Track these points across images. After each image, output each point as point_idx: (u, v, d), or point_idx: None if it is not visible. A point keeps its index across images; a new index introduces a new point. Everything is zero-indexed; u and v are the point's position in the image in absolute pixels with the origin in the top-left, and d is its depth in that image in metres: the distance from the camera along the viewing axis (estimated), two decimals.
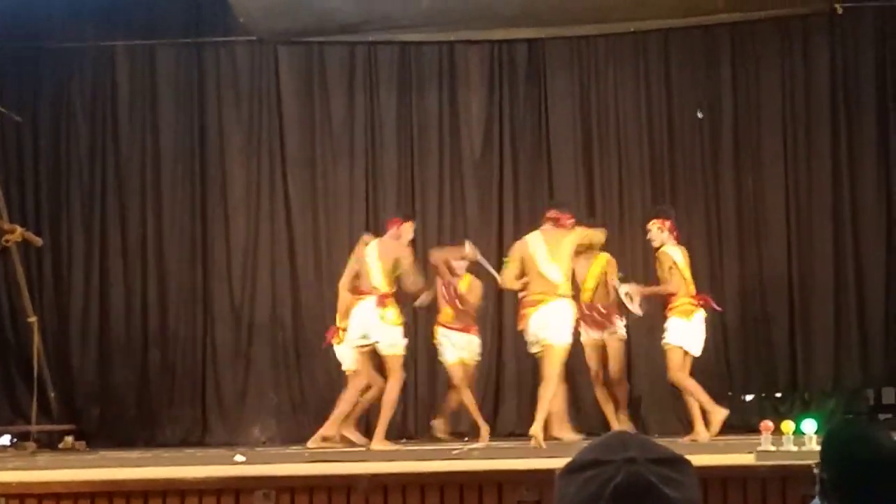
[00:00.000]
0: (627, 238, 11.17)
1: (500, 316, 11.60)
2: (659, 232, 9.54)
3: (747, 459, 6.17)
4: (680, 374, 9.39)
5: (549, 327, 8.99)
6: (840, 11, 11.13)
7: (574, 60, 11.87)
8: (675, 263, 9.40)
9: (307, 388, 11.63)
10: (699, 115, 11.65)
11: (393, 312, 9.30)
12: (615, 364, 9.98)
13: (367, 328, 9.28)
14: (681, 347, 9.34)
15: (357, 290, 9.53)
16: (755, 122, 11.61)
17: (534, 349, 9.30)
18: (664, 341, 9.39)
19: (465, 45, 11.98)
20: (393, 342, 9.33)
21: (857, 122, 11.44)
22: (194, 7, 12.12)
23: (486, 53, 11.99)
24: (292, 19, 11.45)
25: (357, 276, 9.61)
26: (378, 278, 9.34)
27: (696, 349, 9.42)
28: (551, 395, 8.99)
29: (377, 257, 9.42)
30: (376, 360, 9.57)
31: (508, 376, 11.58)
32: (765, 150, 11.57)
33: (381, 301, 9.23)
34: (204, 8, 12.06)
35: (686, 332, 9.35)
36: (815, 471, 2.81)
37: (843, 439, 2.77)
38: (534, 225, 11.65)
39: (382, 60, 12.00)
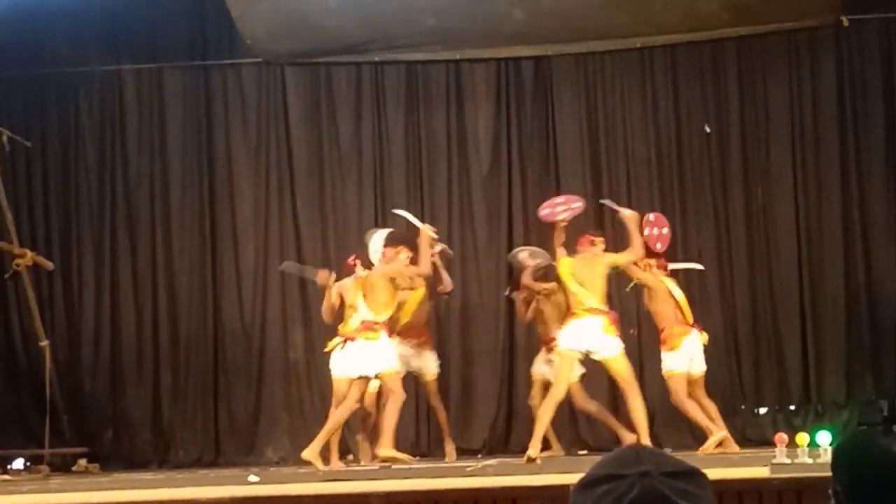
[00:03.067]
0: None
1: (511, 333, 11.59)
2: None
3: (762, 472, 6.15)
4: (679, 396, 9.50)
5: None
6: (846, 23, 11.14)
7: (580, 77, 11.88)
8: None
9: (319, 408, 11.61)
10: (707, 129, 11.65)
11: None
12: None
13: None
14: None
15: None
16: (763, 135, 11.60)
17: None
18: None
19: (471, 63, 12.00)
20: None
21: (865, 133, 11.43)
22: (200, 29, 12.17)
23: (492, 71, 12.01)
24: (297, 40, 11.50)
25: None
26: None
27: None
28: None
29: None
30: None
31: (521, 394, 11.56)
32: (773, 162, 11.56)
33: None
34: (210, 30, 12.11)
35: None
36: (829, 491, 2.82)
37: (852, 449, 2.77)
38: (543, 239, 11.72)
39: (389, 80, 12.02)
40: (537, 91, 11.92)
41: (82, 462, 10.78)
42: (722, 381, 11.26)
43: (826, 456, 5.90)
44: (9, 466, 10.79)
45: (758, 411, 11.27)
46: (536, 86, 11.93)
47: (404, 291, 9.74)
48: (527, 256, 10.41)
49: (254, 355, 11.78)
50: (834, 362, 11.21)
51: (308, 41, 11.52)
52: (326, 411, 11.46)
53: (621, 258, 9.60)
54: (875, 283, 11.28)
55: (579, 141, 11.81)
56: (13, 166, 11.94)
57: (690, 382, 9.52)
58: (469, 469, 8.20)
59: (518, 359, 11.56)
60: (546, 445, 9.80)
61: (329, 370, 9.60)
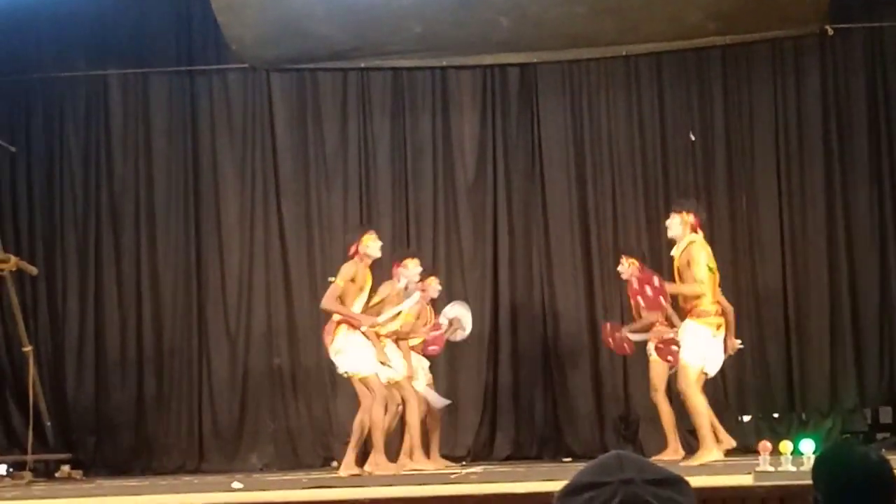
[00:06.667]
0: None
1: (496, 341, 11.60)
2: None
3: (746, 480, 6.17)
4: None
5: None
6: (831, 33, 11.18)
7: (566, 84, 11.89)
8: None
9: (304, 414, 11.61)
10: (692, 136, 11.67)
11: None
12: None
13: None
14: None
15: None
16: (748, 142, 11.63)
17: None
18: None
19: (458, 70, 12.00)
20: None
21: (849, 141, 11.47)
22: (186, 35, 12.15)
23: (478, 78, 12.01)
24: (284, 46, 11.49)
25: None
26: None
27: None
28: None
29: None
30: None
31: (504, 402, 11.57)
32: (758, 171, 11.59)
33: None
34: (196, 36, 12.09)
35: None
36: (811, 498, 2.83)
37: (831, 458, 2.79)
38: (528, 247, 11.74)
39: (375, 86, 12.02)
40: (523, 98, 11.94)
41: (65, 468, 10.75)
42: (706, 388, 11.27)
43: (809, 464, 5.92)
44: None
45: (741, 419, 11.28)
46: (522, 93, 11.94)
47: None
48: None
49: (238, 361, 11.77)
50: (818, 370, 11.24)
51: (294, 47, 11.52)
52: (311, 417, 11.50)
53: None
54: (859, 291, 11.32)
55: (564, 148, 11.82)
56: None
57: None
58: (453, 476, 8.20)
59: (502, 366, 11.57)
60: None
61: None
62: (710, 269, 8.98)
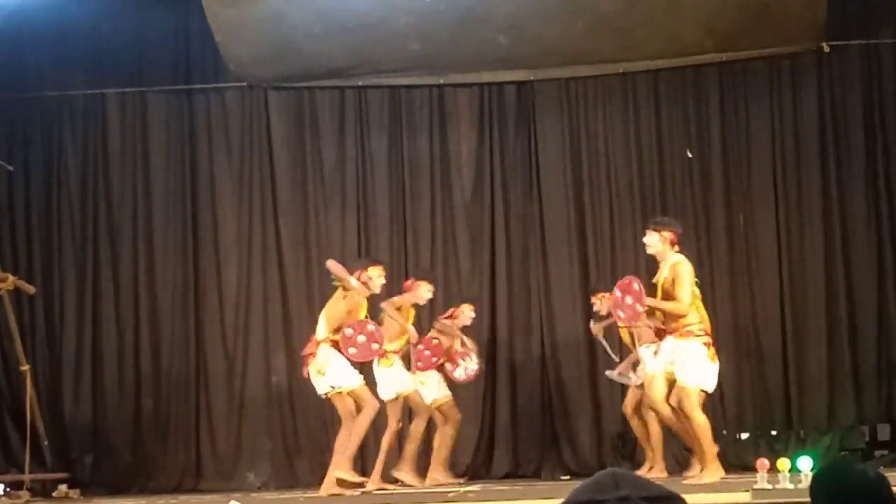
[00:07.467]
0: (620, 277, 11.14)
1: (494, 358, 11.59)
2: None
3: (743, 498, 6.16)
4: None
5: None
6: (827, 50, 11.21)
7: (563, 102, 11.91)
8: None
9: (301, 433, 11.59)
10: (689, 154, 11.69)
11: None
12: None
13: None
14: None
15: None
16: (745, 160, 11.65)
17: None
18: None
19: (455, 87, 12.03)
20: None
21: (847, 158, 11.49)
22: (184, 54, 12.17)
23: (475, 96, 12.04)
24: (282, 65, 11.51)
25: None
26: None
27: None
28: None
29: None
30: None
31: (503, 419, 11.56)
32: (755, 187, 11.61)
33: None
34: (194, 54, 12.11)
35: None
36: None
37: (829, 475, 2.79)
38: (525, 264, 11.74)
39: (373, 104, 12.04)
40: (520, 116, 11.95)
41: (63, 488, 10.72)
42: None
43: (807, 481, 5.91)
44: None
45: (739, 436, 11.27)
46: (519, 110, 11.96)
47: None
48: None
49: (236, 380, 11.75)
50: (816, 387, 11.23)
51: (292, 65, 11.54)
52: (309, 436, 11.47)
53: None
54: (857, 308, 11.32)
55: (562, 165, 11.84)
56: None
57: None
58: (451, 494, 8.19)
59: (500, 383, 11.56)
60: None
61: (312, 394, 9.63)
62: (695, 291, 8.76)
